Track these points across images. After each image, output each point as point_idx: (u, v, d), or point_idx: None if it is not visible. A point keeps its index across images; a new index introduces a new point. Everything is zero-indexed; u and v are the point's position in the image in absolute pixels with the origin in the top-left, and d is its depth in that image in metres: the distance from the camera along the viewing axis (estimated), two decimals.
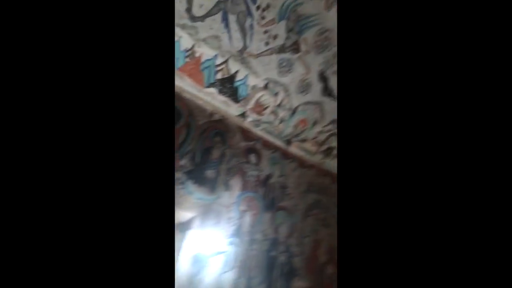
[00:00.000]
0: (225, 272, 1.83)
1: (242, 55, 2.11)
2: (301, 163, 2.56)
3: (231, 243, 1.93)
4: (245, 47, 2.08)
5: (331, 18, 2.09)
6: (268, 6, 1.96)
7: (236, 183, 2.13)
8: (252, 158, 2.30)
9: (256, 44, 2.08)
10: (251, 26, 2.01)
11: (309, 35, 2.12)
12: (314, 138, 2.56)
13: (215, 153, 2.10)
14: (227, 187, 2.07)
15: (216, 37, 2.00)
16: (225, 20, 1.96)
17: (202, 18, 1.91)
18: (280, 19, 2.02)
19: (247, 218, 2.08)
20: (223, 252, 1.86)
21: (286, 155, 2.49)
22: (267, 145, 2.41)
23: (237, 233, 2.00)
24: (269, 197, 2.26)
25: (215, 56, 2.06)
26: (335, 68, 2.26)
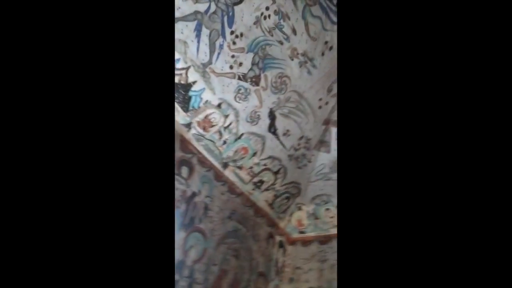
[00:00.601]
0: None
1: (204, 68, 2.12)
2: (231, 189, 2.56)
3: None
4: (209, 62, 2.10)
5: (292, 67, 2.33)
6: (241, 35, 2.08)
7: None
8: (184, 171, 2.20)
9: (221, 64, 2.13)
10: (221, 46, 2.07)
11: (270, 75, 2.30)
12: (250, 168, 2.63)
13: None
14: None
15: (184, 43, 1.98)
16: (198, 30, 1.97)
17: (176, 20, 1.88)
18: (249, 51, 2.14)
19: None
20: None
21: (219, 177, 2.47)
22: (203, 162, 2.36)
23: None
24: (189, 216, 2.15)
25: (178, 60, 2.02)
26: (284, 110, 2.46)
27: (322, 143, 2.83)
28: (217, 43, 2.06)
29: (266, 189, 2.79)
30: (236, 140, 2.48)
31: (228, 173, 2.55)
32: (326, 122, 2.76)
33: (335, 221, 2.97)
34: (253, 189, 2.73)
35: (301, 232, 3.13)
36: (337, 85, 2.56)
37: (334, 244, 2.89)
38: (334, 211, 2.99)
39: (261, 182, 2.73)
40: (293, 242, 3.12)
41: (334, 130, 2.76)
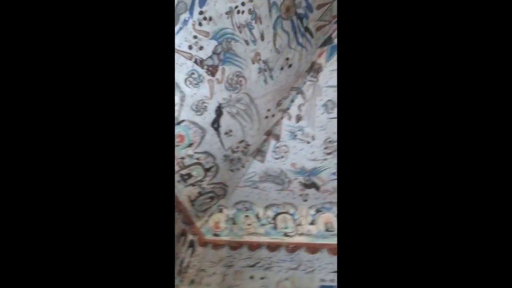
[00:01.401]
0: None
1: None
2: None
3: None
4: None
5: (251, 70, 2.32)
6: (210, 19, 1.96)
7: None
8: None
9: (180, 40, 1.95)
10: (186, 22, 1.91)
11: (229, 70, 2.23)
12: (181, 158, 2.46)
13: None
14: None
15: None
16: None
17: None
18: (213, 38, 2.04)
19: None
20: None
21: None
22: None
23: None
24: None
25: None
26: (232, 109, 2.42)
27: (259, 152, 2.89)
28: (182, 17, 1.88)
29: (192, 184, 2.65)
30: (174, 125, 2.28)
31: None
32: (268, 133, 2.84)
33: (251, 228, 3.04)
34: (178, 181, 2.55)
35: (215, 235, 3.08)
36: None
37: (244, 250, 2.94)
38: (252, 219, 3.06)
39: (189, 176, 2.58)
40: (204, 244, 3.04)
41: (273, 143, 2.86)
